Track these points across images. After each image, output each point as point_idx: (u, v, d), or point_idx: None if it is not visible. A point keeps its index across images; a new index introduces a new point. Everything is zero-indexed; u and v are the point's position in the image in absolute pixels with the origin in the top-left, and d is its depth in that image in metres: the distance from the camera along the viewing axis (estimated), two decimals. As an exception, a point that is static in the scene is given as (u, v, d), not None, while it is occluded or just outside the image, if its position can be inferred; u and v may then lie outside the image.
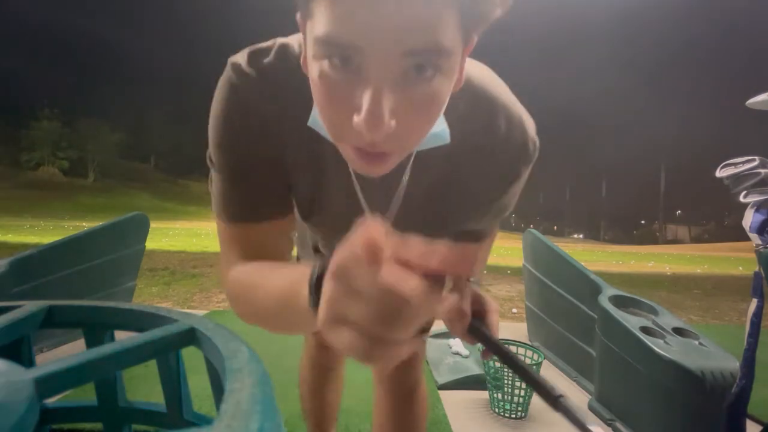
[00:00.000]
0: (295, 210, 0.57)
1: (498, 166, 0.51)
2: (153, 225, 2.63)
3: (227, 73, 0.47)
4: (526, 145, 0.51)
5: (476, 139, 0.49)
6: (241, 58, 0.47)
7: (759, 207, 1.04)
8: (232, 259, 0.50)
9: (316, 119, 0.45)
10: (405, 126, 0.35)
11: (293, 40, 0.48)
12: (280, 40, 0.48)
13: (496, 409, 1.61)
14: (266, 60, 0.46)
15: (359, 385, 1.74)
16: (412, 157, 0.50)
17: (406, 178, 0.52)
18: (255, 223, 0.50)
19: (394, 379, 0.85)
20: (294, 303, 0.35)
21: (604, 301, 1.64)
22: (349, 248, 0.25)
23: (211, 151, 0.50)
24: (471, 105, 0.48)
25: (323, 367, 1.01)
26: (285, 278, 0.38)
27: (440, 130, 0.45)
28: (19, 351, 0.40)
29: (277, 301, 0.39)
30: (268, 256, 0.50)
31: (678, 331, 1.45)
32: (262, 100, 0.47)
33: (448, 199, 0.55)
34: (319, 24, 0.33)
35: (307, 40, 0.38)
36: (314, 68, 0.36)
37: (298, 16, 0.38)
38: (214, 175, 0.52)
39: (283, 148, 0.50)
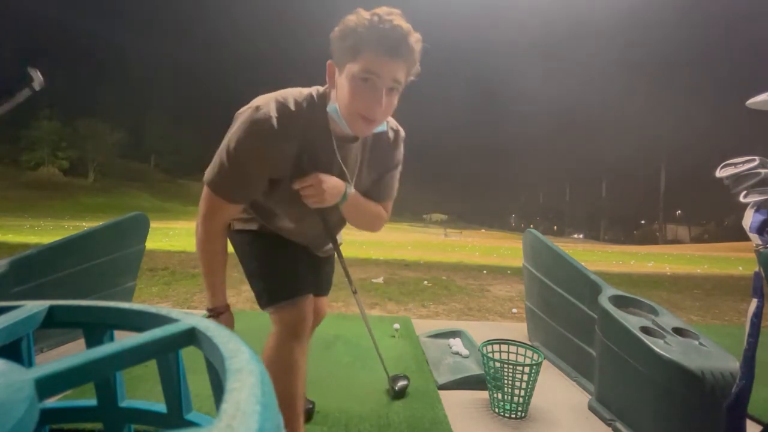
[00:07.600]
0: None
1: (396, 151, 1.14)
2: (153, 225, 2.63)
3: (270, 104, 0.92)
4: (402, 138, 1.14)
5: (389, 137, 1.11)
6: (278, 96, 0.95)
7: (759, 207, 1.03)
8: (212, 218, 0.98)
9: (334, 107, 0.93)
10: (385, 110, 0.91)
11: (293, 92, 0.97)
12: (291, 90, 0.98)
13: (496, 409, 1.61)
14: (287, 100, 0.95)
15: (359, 386, 1.74)
16: (371, 140, 1.08)
17: (367, 153, 1.08)
18: (236, 204, 0.98)
19: None
20: (208, 286, 1.05)
21: (604, 301, 1.64)
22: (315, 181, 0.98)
23: (234, 145, 0.91)
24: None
25: (293, 341, 1.06)
26: (221, 280, 1.06)
27: (384, 122, 1.03)
28: (19, 351, 0.40)
29: (207, 276, 1.04)
30: (226, 219, 1.01)
31: (678, 331, 1.45)
32: (290, 115, 0.93)
33: (382, 164, 1.12)
34: (358, 66, 0.85)
35: (344, 70, 0.88)
36: (347, 82, 0.88)
37: (331, 62, 0.91)
38: (225, 158, 0.92)
39: (292, 140, 0.95)
